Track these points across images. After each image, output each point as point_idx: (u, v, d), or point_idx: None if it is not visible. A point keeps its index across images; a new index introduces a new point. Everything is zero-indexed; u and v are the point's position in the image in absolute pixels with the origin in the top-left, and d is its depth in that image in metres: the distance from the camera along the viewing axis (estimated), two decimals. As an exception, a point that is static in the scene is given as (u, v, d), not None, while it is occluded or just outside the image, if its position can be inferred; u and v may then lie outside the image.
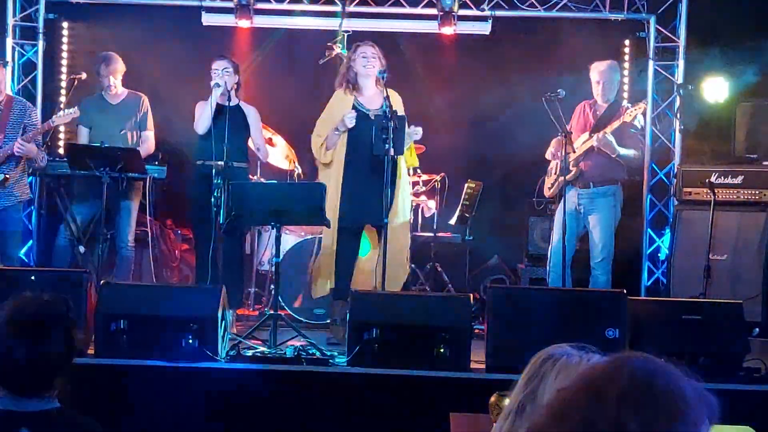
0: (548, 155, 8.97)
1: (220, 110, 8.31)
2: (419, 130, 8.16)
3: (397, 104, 8.14)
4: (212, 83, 8.36)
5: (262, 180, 9.26)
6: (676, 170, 9.86)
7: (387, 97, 7.82)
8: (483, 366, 6.87)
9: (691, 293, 8.84)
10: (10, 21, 10.22)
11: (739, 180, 9.21)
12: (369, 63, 8.11)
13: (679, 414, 1.85)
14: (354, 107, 8.09)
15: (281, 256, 7.86)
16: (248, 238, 9.32)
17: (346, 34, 9.93)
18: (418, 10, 10.33)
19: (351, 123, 7.95)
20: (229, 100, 8.29)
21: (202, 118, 8.34)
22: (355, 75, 8.15)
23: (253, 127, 8.66)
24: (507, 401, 4.24)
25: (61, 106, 9.78)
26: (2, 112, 8.41)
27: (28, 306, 3.23)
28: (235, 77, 8.57)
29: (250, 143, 8.72)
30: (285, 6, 10.36)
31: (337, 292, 8.16)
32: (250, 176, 9.04)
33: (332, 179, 8.09)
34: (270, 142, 9.37)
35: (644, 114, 9.02)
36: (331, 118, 8.14)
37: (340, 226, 8.09)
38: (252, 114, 8.67)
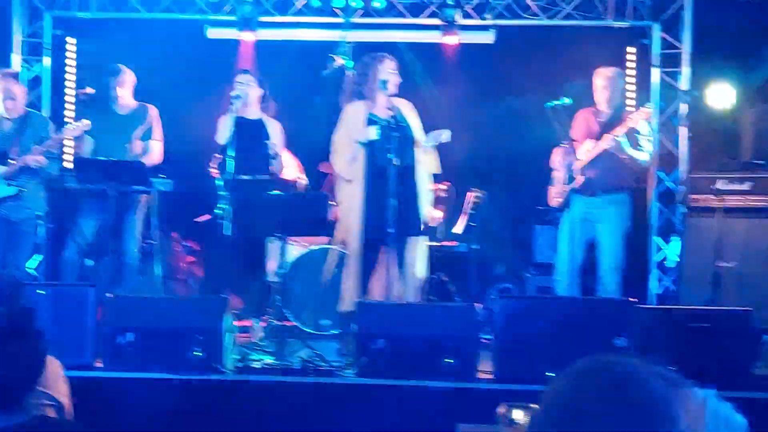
0: (552, 164, 8.96)
1: (242, 123, 8.35)
2: (443, 132, 8.09)
3: (408, 113, 8.13)
4: (233, 94, 8.41)
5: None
6: (682, 177, 9.84)
7: (392, 107, 7.81)
8: (491, 376, 6.85)
9: (700, 301, 8.80)
10: (17, 37, 10.25)
11: (746, 186, 9.17)
12: (397, 79, 8.10)
13: (660, 415, 1.84)
14: (370, 119, 8.05)
15: (287, 268, 7.85)
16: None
17: (349, 45, 9.93)
18: (421, 20, 10.34)
19: (375, 135, 7.91)
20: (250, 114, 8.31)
21: (222, 129, 8.37)
22: (373, 87, 8.10)
23: (276, 140, 8.70)
24: (516, 412, 4.24)
25: (68, 121, 9.81)
26: (18, 126, 8.44)
27: None
28: (257, 90, 8.63)
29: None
30: (288, 18, 10.37)
31: None
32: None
33: (356, 193, 8.05)
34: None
35: (649, 119, 8.96)
36: (348, 133, 8.06)
37: (365, 238, 8.05)
38: (273, 128, 8.71)
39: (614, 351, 6.54)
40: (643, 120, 8.67)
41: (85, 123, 8.64)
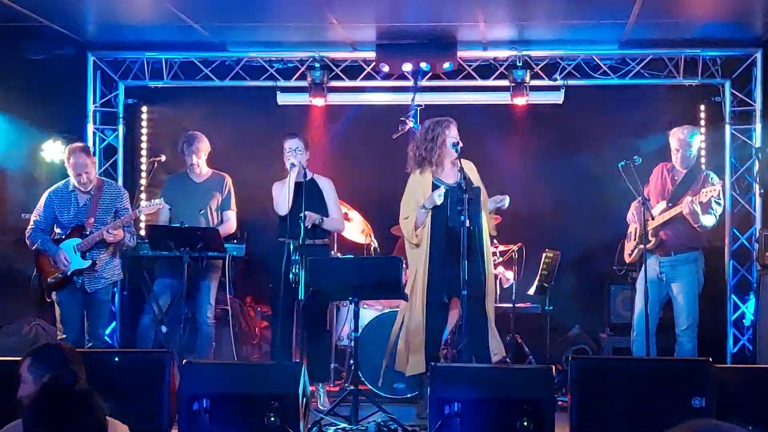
0: (628, 218, 8.92)
1: (296, 188, 8.38)
2: (506, 198, 8.09)
3: (472, 174, 8.15)
4: (288, 164, 8.44)
5: (339, 255, 9.30)
6: (757, 234, 9.72)
7: (461, 169, 7.83)
8: (568, 439, 6.77)
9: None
10: (91, 107, 10.48)
11: (822, 243, 9.06)
12: (459, 143, 8.14)
13: None
14: (434, 184, 8.08)
15: (360, 331, 7.86)
16: (327, 313, 9.30)
17: (418, 108, 10.00)
18: (490, 82, 10.39)
19: (440, 200, 7.92)
20: (305, 176, 8.33)
21: (281, 199, 8.40)
22: (440, 152, 8.13)
23: (329, 198, 8.72)
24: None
25: (142, 188, 9.94)
26: (93, 197, 8.54)
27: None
28: (306, 154, 8.67)
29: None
30: (358, 83, 10.48)
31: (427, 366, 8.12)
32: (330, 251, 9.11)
33: (422, 256, 8.10)
34: (346, 217, 9.42)
35: (719, 193, 8.77)
36: (414, 199, 8.14)
37: (428, 300, 8.06)
38: (326, 186, 8.74)
39: (692, 412, 6.44)
40: (713, 196, 8.54)
41: (160, 202, 8.71)
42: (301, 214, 8.38)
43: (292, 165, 8.44)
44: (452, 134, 8.13)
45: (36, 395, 3.50)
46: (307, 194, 8.54)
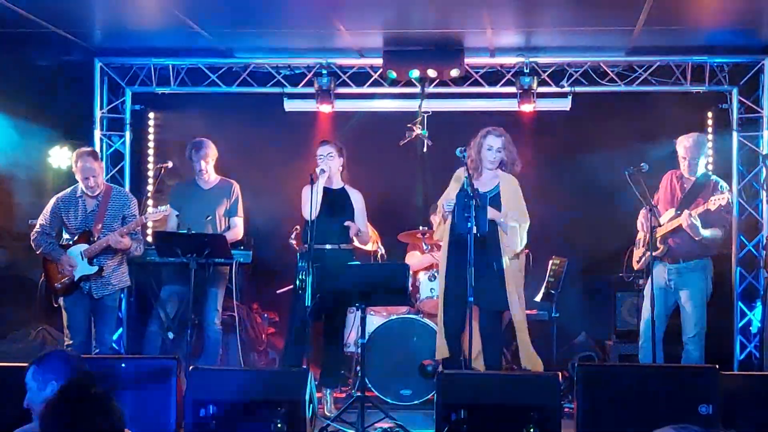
0: (638, 224, 8.88)
1: (324, 194, 8.38)
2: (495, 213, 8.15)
3: (507, 188, 8.24)
4: (318, 170, 8.43)
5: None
6: (765, 241, 9.70)
7: (469, 176, 7.83)
8: (574, 446, 6.77)
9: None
10: (98, 113, 10.48)
11: (830, 249, 9.03)
12: (494, 156, 8.22)
13: None
14: (462, 186, 8.08)
15: (367, 338, 7.85)
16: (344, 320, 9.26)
17: (426, 115, 10.00)
18: (497, 89, 10.39)
19: (448, 208, 7.97)
20: (312, 182, 8.32)
21: (308, 204, 8.37)
22: (476, 160, 8.20)
23: (357, 210, 8.72)
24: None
25: (149, 195, 9.94)
26: (101, 203, 8.55)
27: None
28: (339, 161, 8.68)
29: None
30: (365, 89, 10.47)
31: (449, 363, 8.13)
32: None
33: (443, 259, 8.22)
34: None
35: (728, 202, 8.69)
36: (447, 194, 8.26)
37: (446, 299, 8.12)
38: (357, 198, 8.75)
39: (699, 419, 6.43)
40: (722, 204, 8.48)
41: (166, 208, 8.73)
42: (346, 224, 8.53)
43: (322, 171, 8.44)
44: (487, 143, 8.22)
45: (54, 397, 3.53)
46: (336, 202, 8.57)
